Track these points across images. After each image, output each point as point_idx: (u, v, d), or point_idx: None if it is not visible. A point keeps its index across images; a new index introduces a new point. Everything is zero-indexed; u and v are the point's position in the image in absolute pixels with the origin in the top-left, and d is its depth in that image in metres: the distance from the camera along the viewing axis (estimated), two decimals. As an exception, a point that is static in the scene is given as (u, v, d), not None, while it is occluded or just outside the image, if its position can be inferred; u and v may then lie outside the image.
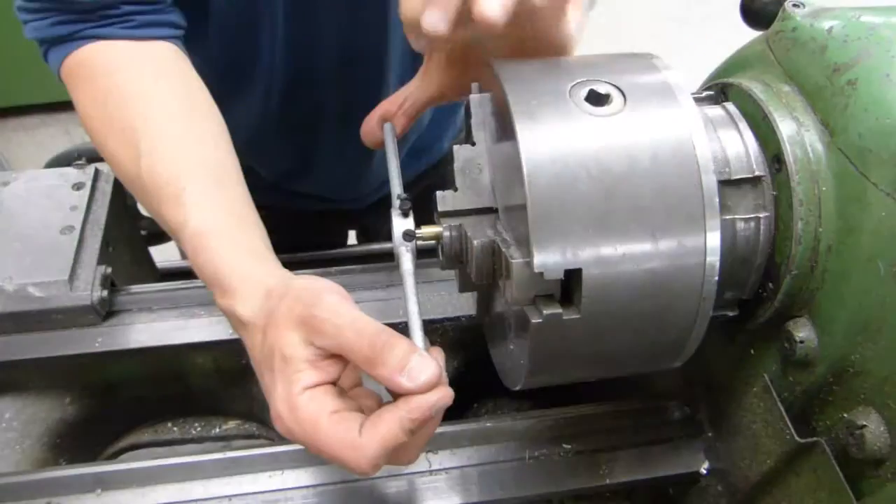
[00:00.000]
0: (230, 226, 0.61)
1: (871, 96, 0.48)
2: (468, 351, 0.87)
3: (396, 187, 0.59)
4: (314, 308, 0.50)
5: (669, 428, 0.72)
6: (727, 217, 0.53)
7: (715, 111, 0.57)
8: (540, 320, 0.48)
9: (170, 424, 0.91)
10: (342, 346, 0.49)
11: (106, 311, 0.77)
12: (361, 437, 0.48)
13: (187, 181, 0.62)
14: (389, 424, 0.48)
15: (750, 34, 0.66)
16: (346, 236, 1.30)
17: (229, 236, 0.60)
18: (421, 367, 0.48)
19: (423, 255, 0.60)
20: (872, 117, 0.47)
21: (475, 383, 0.90)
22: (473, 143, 0.57)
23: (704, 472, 0.70)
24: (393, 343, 0.48)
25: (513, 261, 0.49)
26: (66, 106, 2.81)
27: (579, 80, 0.50)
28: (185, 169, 0.63)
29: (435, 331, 0.84)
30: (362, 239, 1.34)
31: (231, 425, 0.92)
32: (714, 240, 0.48)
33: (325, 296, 0.51)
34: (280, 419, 0.51)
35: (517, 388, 0.57)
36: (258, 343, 0.54)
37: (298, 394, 0.49)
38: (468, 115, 0.57)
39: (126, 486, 0.67)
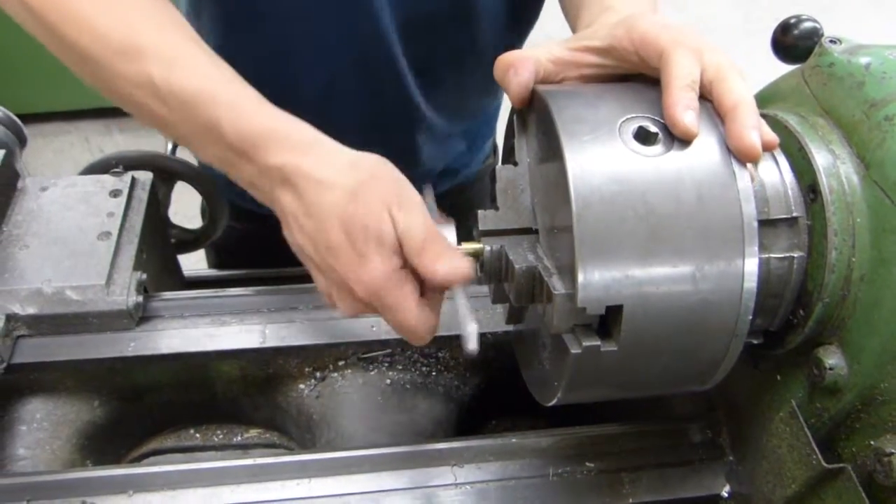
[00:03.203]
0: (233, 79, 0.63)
1: (908, 132, 0.49)
2: (491, 368, 0.88)
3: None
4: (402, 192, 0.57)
5: (691, 450, 0.73)
6: (763, 256, 0.54)
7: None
8: (579, 351, 0.50)
9: (192, 431, 0.92)
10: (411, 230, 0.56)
11: (140, 317, 0.79)
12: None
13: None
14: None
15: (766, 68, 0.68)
16: None
17: (243, 91, 0.62)
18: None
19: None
20: (909, 152, 0.49)
21: (495, 401, 0.91)
22: (516, 164, 0.58)
23: (726, 495, 0.71)
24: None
25: (556, 292, 0.50)
26: (85, 114, 2.88)
27: (628, 116, 0.52)
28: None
29: (458, 347, 0.85)
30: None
31: (252, 434, 0.93)
32: (751, 271, 0.49)
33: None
34: (368, 282, 0.56)
35: (549, 405, 0.58)
36: (342, 202, 0.56)
37: (396, 270, 0.56)
38: (511, 135, 0.58)
39: (157, 489, 0.68)
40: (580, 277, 0.47)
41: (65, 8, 0.62)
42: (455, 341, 0.82)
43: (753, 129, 0.49)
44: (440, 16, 0.87)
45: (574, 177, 0.48)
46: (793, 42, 0.65)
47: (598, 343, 0.50)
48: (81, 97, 2.80)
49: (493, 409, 0.94)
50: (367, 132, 0.98)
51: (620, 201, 0.48)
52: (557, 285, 0.50)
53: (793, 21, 0.66)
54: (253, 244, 1.18)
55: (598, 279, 0.48)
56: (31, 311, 0.75)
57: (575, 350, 0.49)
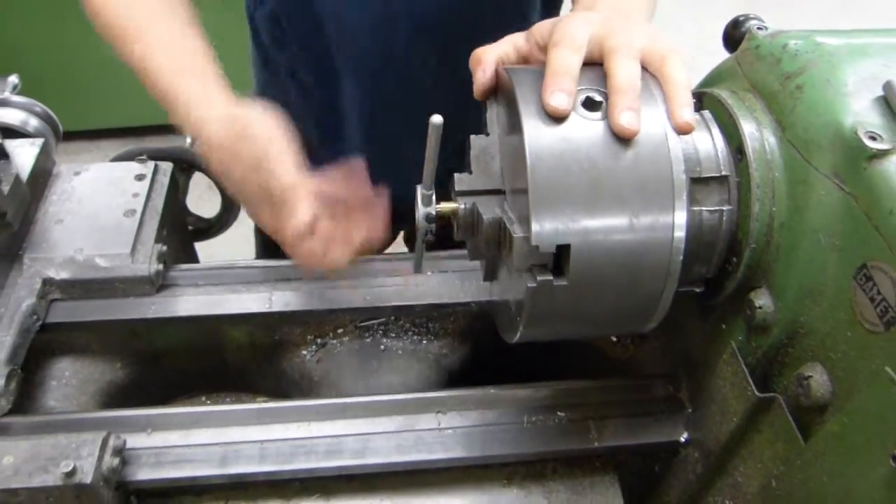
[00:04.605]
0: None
1: (814, 98, 0.58)
2: (477, 338, 0.96)
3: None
4: None
5: (654, 403, 0.81)
6: (696, 208, 0.63)
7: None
8: (534, 285, 0.58)
9: (203, 398, 1.01)
10: None
11: (160, 284, 0.88)
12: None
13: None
14: None
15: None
16: (395, 234, 1.34)
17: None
18: None
19: (437, 247, 0.76)
20: (814, 114, 0.58)
21: (482, 371, 0.99)
22: (487, 135, 0.67)
23: (683, 440, 0.78)
24: None
25: (515, 235, 0.59)
26: (105, 133, 3.01)
27: (579, 88, 0.61)
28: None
29: (447, 316, 0.93)
30: (410, 246, 1.40)
31: (259, 401, 1.01)
32: (680, 220, 0.58)
33: None
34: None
35: (513, 341, 0.66)
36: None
37: None
38: (484, 110, 0.67)
39: (172, 429, 0.76)
40: (533, 219, 0.56)
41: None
42: (445, 308, 0.90)
43: (687, 108, 0.58)
44: (451, 27, 0.98)
45: (529, 135, 0.57)
46: (741, 36, 0.74)
47: (551, 278, 0.58)
48: (102, 117, 2.96)
49: (480, 379, 1.02)
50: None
51: (567, 156, 0.57)
52: (517, 230, 0.59)
53: (741, 19, 0.76)
54: None
55: (548, 220, 0.56)
56: (64, 275, 0.84)
57: (531, 284, 0.58)
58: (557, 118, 0.58)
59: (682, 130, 0.58)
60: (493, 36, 0.70)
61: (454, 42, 0.99)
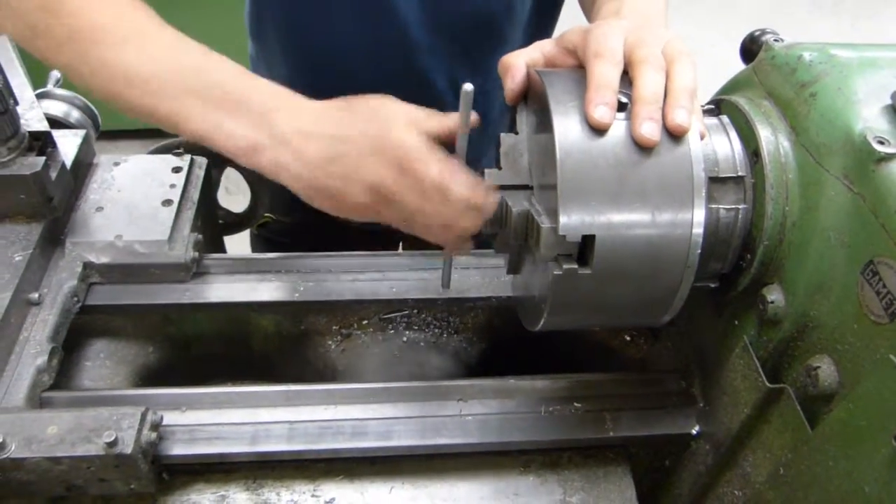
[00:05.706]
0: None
1: (827, 105, 0.62)
2: (496, 333, 0.99)
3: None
4: None
5: (667, 397, 0.84)
6: (713, 206, 0.67)
7: (712, 121, 0.71)
8: (560, 272, 0.62)
9: (229, 385, 1.04)
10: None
11: (194, 271, 0.91)
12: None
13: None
14: None
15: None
16: (396, 246, 1.37)
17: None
18: None
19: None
20: (826, 120, 0.62)
21: (501, 365, 1.02)
22: (517, 133, 0.71)
23: (695, 433, 0.81)
24: None
25: (543, 226, 0.62)
26: (124, 134, 3.07)
27: None
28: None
29: (468, 310, 0.97)
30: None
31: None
32: (699, 217, 0.62)
33: None
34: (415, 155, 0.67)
35: (536, 329, 0.70)
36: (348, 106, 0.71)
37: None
38: (513, 109, 0.71)
39: (206, 408, 0.80)
40: (561, 210, 0.60)
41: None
42: (466, 303, 0.94)
43: (681, 109, 0.61)
44: (466, 25, 1.02)
45: (559, 132, 0.61)
46: (757, 48, 0.79)
47: (576, 266, 0.62)
48: (121, 119, 3.03)
49: (500, 372, 1.05)
50: None
51: (595, 152, 0.61)
52: (545, 221, 0.63)
53: (757, 34, 0.80)
54: (303, 237, 1.31)
55: (575, 212, 0.60)
56: (104, 260, 0.88)
57: (557, 271, 0.62)
58: (600, 130, 0.61)
59: (673, 131, 0.61)
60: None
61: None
